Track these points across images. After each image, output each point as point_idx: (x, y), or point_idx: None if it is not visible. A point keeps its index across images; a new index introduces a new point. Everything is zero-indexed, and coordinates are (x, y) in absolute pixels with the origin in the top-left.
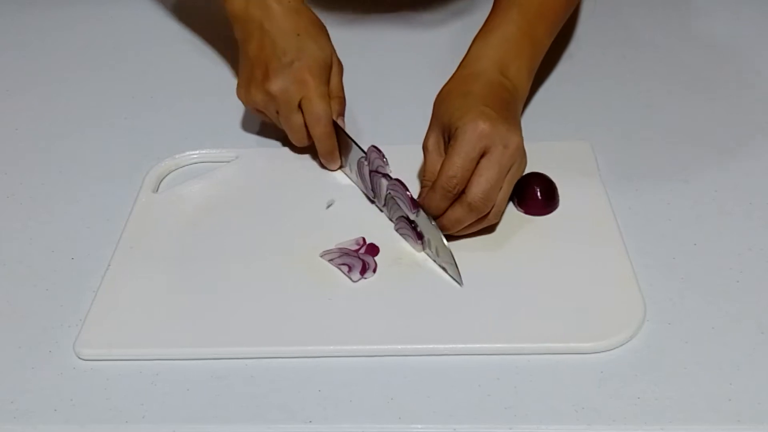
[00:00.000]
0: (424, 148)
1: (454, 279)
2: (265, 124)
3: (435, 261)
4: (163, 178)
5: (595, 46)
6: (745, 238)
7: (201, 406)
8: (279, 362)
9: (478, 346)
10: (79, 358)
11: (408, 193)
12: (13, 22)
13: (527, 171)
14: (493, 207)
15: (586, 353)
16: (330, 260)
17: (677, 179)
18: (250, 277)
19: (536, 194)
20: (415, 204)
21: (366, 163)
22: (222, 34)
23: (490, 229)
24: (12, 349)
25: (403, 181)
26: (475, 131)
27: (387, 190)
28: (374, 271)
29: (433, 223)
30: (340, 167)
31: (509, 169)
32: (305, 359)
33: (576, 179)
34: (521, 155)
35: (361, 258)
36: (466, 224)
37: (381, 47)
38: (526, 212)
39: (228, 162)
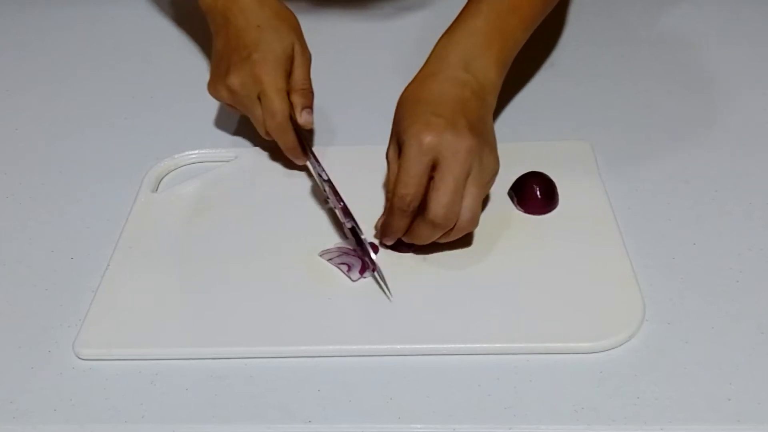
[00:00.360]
0: (387, 158)
1: (385, 293)
2: None
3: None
4: (163, 177)
5: (594, 46)
6: (745, 238)
7: (200, 405)
8: (278, 362)
9: (477, 346)
10: (79, 357)
11: (341, 204)
12: (13, 22)
13: (528, 170)
14: (458, 218)
15: (585, 353)
16: (329, 260)
17: (677, 179)
18: (250, 277)
19: (536, 193)
20: (347, 213)
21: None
22: None
23: (466, 239)
24: (11, 348)
25: (334, 186)
26: (420, 145)
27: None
28: (374, 270)
29: (363, 236)
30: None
31: (467, 175)
32: (304, 359)
33: (576, 179)
34: (475, 158)
35: (360, 257)
36: (434, 239)
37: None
38: (526, 211)
39: (227, 162)
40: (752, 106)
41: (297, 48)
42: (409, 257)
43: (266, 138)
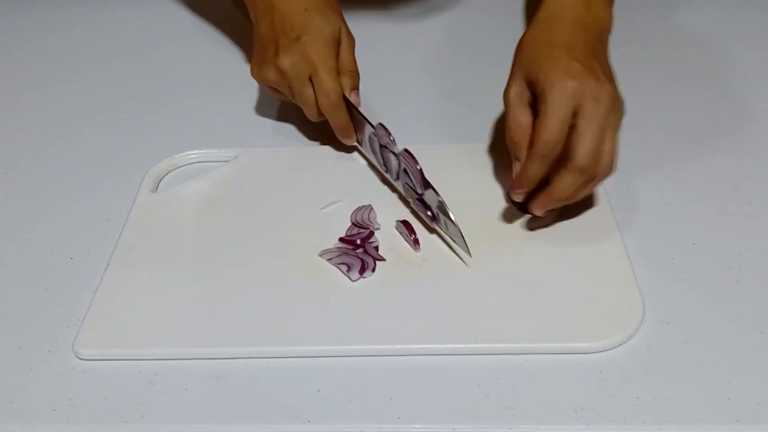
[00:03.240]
0: (506, 98)
1: (464, 251)
2: (263, 124)
3: (445, 234)
4: (162, 177)
5: None
6: (745, 238)
7: (200, 406)
8: (278, 362)
9: (477, 345)
10: (78, 357)
11: (418, 167)
12: (13, 22)
13: None
14: (600, 165)
15: (585, 353)
16: (329, 259)
17: (677, 179)
18: (249, 277)
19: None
20: (426, 182)
21: (376, 138)
22: (222, 34)
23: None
24: (11, 348)
25: (412, 152)
26: (564, 91)
27: (400, 165)
28: (373, 270)
29: (440, 198)
30: (357, 143)
31: (607, 122)
32: (304, 359)
33: None
34: (615, 104)
35: (360, 257)
36: (575, 188)
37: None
38: (525, 212)
39: (227, 162)
40: (752, 106)
41: (343, 31)
42: (407, 259)
43: (315, 120)
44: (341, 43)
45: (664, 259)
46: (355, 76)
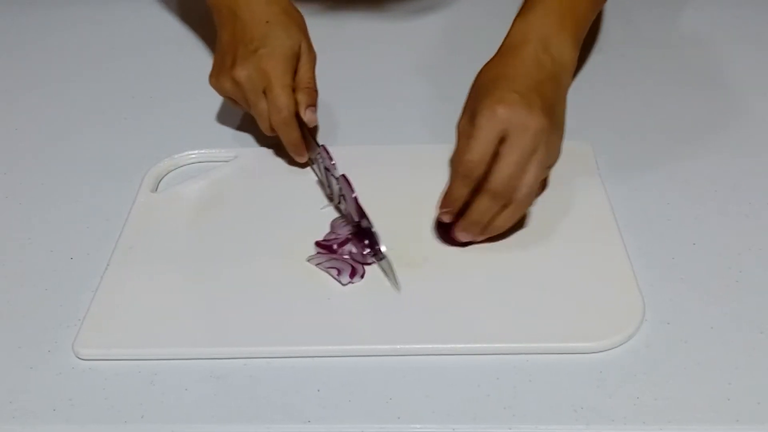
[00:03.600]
0: (458, 130)
1: (393, 285)
2: None
3: (379, 265)
4: (162, 177)
5: (594, 46)
6: (744, 238)
7: (199, 406)
8: (278, 362)
9: (477, 346)
10: (78, 357)
11: (353, 195)
12: (13, 22)
13: None
14: (517, 193)
15: (585, 353)
16: (317, 264)
17: (677, 179)
18: (249, 277)
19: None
20: (360, 211)
21: (320, 159)
22: None
23: (520, 223)
24: (11, 348)
25: (349, 179)
26: (492, 116)
27: (340, 191)
28: (362, 276)
29: (373, 228)
30: (309, 161)
31: (533, 153)
32: (304, 359)
33: (576, 179)
34: (543, 139)
35: (348, 263)
36: (492, 213)
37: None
38: (450, 243)
39: (227, 162)
40: (752, 106)
41: (304, 46)
42: (408, 257)
43: (268, 134)
44: (300, 58)
45: (664, 259)
46: (313, 93)
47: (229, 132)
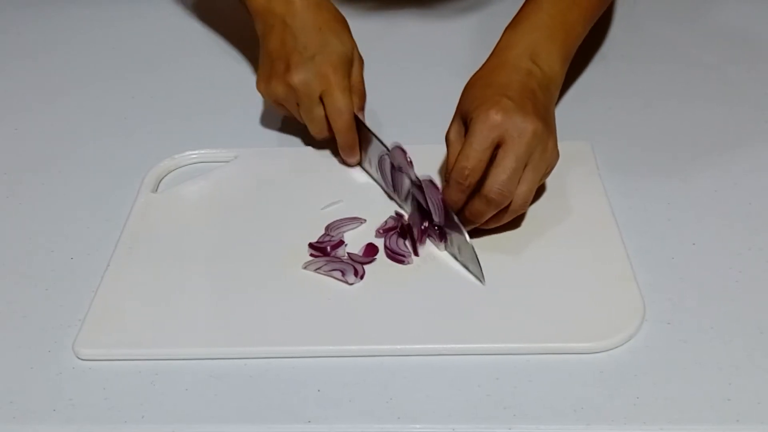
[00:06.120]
0: (447, 139)
1: (476, 277)
2: (263, 124)
3: (456, 259)
4: (163, 178)
5: (594, 46)
6: (744, 238)
7: (200, 406)
8: (278, 362)
9: (477, 346)
10: (78, 358)
11: (440, 196)
12: (13, 22)
13: None
14: (512, 199)
15: (585, 353)
16: (316, 269)
17: (677, 179)
18: (249, 277)
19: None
20: (446, 212)
21: (388, 159)
22: (222, 34)
23: (515, 222)
24: (11, 348)
25: (435, 183)
26: (487, 121)
27: (410, 190)
28: (362, 277)
29: (456, 220)
30: (359, 162)
31: (528, 159)
32: (304, 359)
33: (576, 179)
34: (539, 143)
35: (348, 263)
36: (487, 217)
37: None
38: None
39: (227, 162)
40: (752, 106)
41: (355, 52)
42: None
43: (319, 138)
44: (353, 63)
45: (664, 259)
46: (363, 96)
47: (229, 132)
